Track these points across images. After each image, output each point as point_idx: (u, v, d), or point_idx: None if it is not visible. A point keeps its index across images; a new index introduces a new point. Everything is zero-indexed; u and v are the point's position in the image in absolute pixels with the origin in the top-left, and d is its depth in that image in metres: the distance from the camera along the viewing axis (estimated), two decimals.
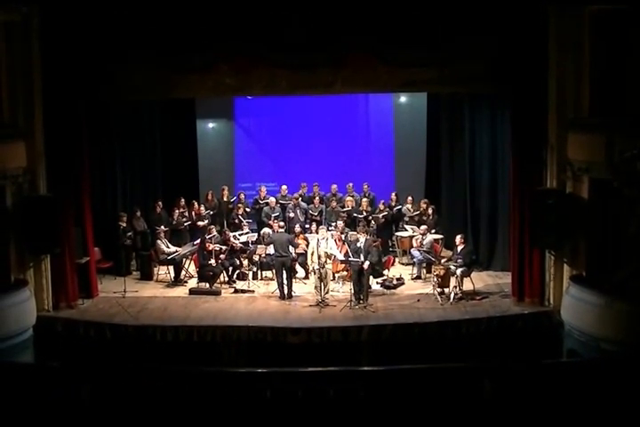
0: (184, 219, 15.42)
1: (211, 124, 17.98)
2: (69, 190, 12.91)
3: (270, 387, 8.11)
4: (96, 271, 13.85)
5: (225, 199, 16.26)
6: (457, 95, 15.30)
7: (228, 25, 12.38)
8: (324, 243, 13.31)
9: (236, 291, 13.92)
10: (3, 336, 11.58)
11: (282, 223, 14.42)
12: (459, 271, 13.25)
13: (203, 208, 15.61)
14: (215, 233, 14.61)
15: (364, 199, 15.66)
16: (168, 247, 14.47)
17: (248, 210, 15.97)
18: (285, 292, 13.43)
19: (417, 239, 14.56)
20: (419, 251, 14.25)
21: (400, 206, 15.71)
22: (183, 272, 14.63)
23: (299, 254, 14.03)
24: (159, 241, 14.49)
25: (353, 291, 13.04)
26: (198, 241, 14.36)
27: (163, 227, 14.85)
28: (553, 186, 12.47)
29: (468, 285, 13.52)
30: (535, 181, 12.61)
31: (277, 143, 17.66)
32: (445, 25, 12.31)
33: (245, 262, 14.65)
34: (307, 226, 15.47)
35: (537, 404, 7.99)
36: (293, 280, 13.74)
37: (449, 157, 16.33)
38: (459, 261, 13.38)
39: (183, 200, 15.71)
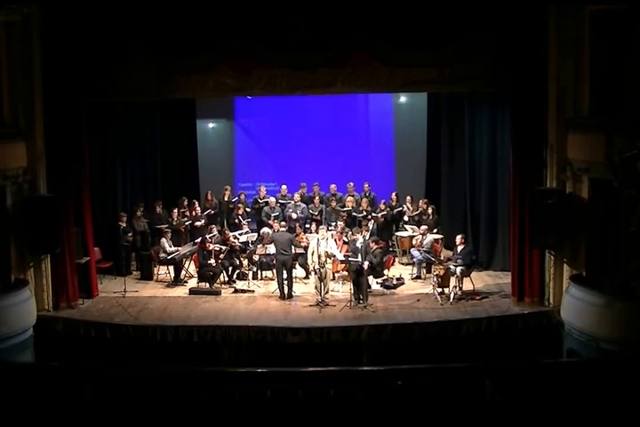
0: (185, 219, 15.43)
1: (211, 124, 18.00)
2: (69, 190, 12.92)
3: (270, 387, 8.11)
4: (96, 271, 13.85)
5: (226, 199, 16.27)
6: (457, 95, 15.31)
7: (228, 25, 12.39)
8: (323, 243, 13.30)
9: (236, 291, 13.93)
10: (3, 336, 11.58)
11: (283, 222, 14.43)
12: (458, 271, 13.25)
13: (198, 208, 15.61)
14: (216, 233, 14.63)
15: (364, 199, 15.66)
16: (170, 247, 14.48)
17: (248, 210, 15.98)
18: (285, 292, 13.44)
19: (417, 239, 14.56)
20: (419, 251, 14.26)
21: (401, 208, 15.71)
22: (183, 272, 14.64)
23: (299, 254, 14.03)
24: (164, 239, 14.48)
25: (353, 291, 13.05)
26: (198, 241, 14.37)
27: (164, 226, 14.88)
28: (553, 186, 12.48)
29: (467, 285, 13.52)
30: (535, 181, 12.61)
31: (277, 143, 17.67)
32: (445, 25, 12.31)
33: (245, 262, 14.66)
34: (307, 226, 15.48)
35: (537, 404, 7.99)
36: (293, 280, 13.75)
37: (449, 157, 16.34)
38: (458, 260, 13.39)
39: (186, 200, 15.74)
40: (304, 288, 14.00)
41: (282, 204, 15.91)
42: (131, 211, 15.23)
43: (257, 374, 8.64)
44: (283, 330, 12.12)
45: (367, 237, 13.58)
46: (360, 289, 13.06)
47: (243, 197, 16.18)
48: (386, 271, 14.15)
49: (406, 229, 15.43)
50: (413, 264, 14.62)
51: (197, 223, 15.41)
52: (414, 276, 14.51)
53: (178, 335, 12.20)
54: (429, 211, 15.29)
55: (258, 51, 12.56)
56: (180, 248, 14.45)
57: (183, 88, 13.01)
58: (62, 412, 8.02)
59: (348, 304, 12.91)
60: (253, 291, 13.95)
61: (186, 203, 15.74)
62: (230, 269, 14.33)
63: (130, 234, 14.75)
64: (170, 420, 8.01)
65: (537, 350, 11.81)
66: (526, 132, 12.63)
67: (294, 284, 13.76)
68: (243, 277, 14.51)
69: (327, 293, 13.31)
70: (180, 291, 14.07)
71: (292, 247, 13.64)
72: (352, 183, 16.14)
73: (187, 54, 12.54)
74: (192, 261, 14.71)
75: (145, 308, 13.10)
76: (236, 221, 15.57)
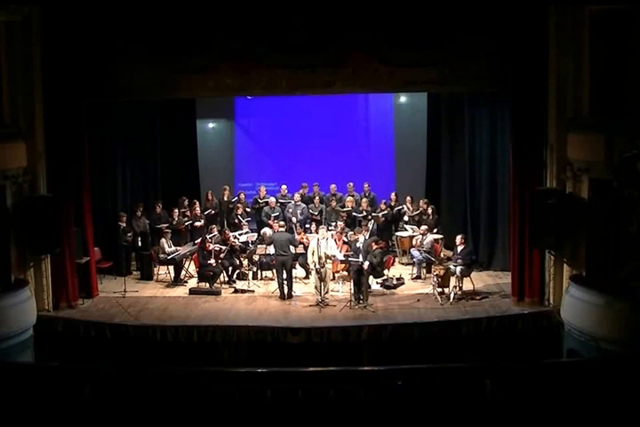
0: (185, 219, 15.43)
1: (211, 124, 17.99)
2: (69, 190, 12.92)
3: (270, 387, 8.11)
4: (96, 271, 13.86)
5: (226, 199, 16.27)
6: (457, 95, 15.32)
7: (228, 25, 12.41)
8: (324, 243, 13.31)
9: (236, 291, 13.92)
10: (3, 336, 11.58)
11: (282, 222, 14.44)
12: (458, 271, 13.25)
13: (198, 209, 15.61)
14: (216, 233, 14.64)
15: (364, 199, 15.66)
16: (170, 247, 14.48)
17: (248, 210, 15.98)
18: (285, 292, 13.44)
19: (417, 239, 14.57)
20: (419, 251, 14.26)
21: (401, 207, 15.72)
22: (183, 272, 14.64)
23: (299, 254, 14.02)
24: (163, 240, 14.48)
25: (353, 291, 13.04)
26: (198, 241, 14.37)
27: (164, 226, 14.89)
28: (553, 186, 12.47)
29: (467, 285, 13.52)
30: (535, 181, 12.61)
31: (277, 143, 17.67)
32: (445, 25, 12.33)
33: (245, 262, 14.66)
34: (307, 226, 15.48)
35: (537, 404, 7.99)
36: (293, 280, 13.75)
37: (449, 157, 16.34)
38: (458, 261, 13.39)
39: (186, 200, 15.74)
40: (304, 288, 14.00)
41: (282, 204, 15.92)
42: (131, 211, 15.23)
43: (257, 374, 8.64)
44: (283, 330, 12.12)
45: (367, 237, 13.58)
46: (360, 289, 13.06)
47: (242, 196, 16.18)
48: (386, 271, 14.15)
49: (406, 229, 15.43)
50: (413, 264, 14.62)
51: (197, 223, 15.41)
52: (414, 276, 14.51)
53: (178, 335, 12.20)
54: (429, 211, 15.28)
55: (258, 51, 12.58)
56: (179, 248, 14.45)
57: (183, 88, 13.01)
58: (62, 412, 8.03)
59: (348, 304, 12.90)
60: (253, 291, 13.95)
61: (186, 203, 15.75)
62: (230, 269, 14.33)
63: (130, 234, 14.76)
64: (170, 420, 8.01)
65: (537, 350, 11.81)
66: (526, 132, 12.63)
67: (294, 284, 13.76)
68: (243, 277, 14.51)
69: (327, 293, 13.31)
70: (180, 291, 14.07)
71: (292, 247, 13.63)
72: (352, 183, 16.14)
73: (187, 54, 12.55)
74: (192, 261, 14.70)
75: (145, 308, 13.10)
76: (236, 220, 15.58)
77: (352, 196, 15.88)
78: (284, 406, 7.99)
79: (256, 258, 14.33)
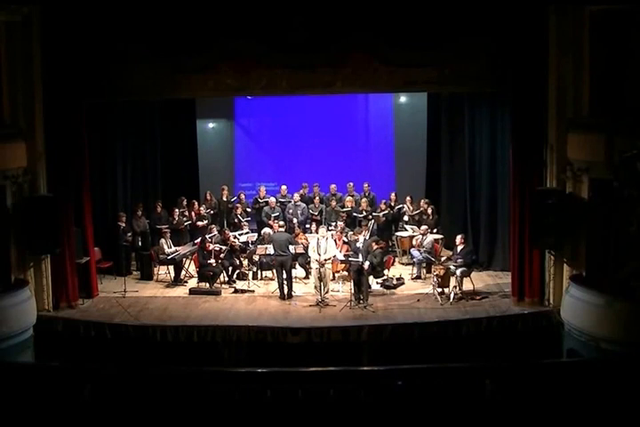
0: (184, 218, 15.43)
1: (211, 124, 17.99)
2: (69, 190, 12.92)
3: (270, 387, 8.11)
4: (96, 271, 13.86)
5: (224, 199, 16.27)
6: (457, 95, 15.32)
7: (228, 25, 12.41)
8: (323, 242, 13.31)
9: (236, 291, 13.93)
10: (3, 336, 11.59)
11: (282, 223, 14.44)
12: (458, 271, 13.25)
13: (203, 208, 15.63)
14: (216, 232, 14.64)
15: (364, 199, 15.66)
16: (169, 247, 14.48)
17: (248, 210, 15.98)
18: (285, 292, 13.44)
19: (417, 239, 14.57)
20: (419, 251, 14.26)
21: (401, 206, 15.71)
22: (183, 272, 14.64)
23: (299, 254, 14.02)
24: (163, 240, 14.48)
25: (353, 291, 13.05)
26: (198, 241, 14.37)
27: (164, 226, 14.89)
28: (553, 186, 12.47)
29: (467, 285, 13.52)
30: (535, 181, 12.61)
31: (277, 143, 17.67)
32: (445, 25, 12.33)
33: (245, 262, 14.66)
34: (307, 226, 15.48)
35: (537, 404, 7.99)
36: (293, 280, 13.74)
37: (449, 157, 16.34)
38: (459, 261, 13.39)
39: (185, 200, 15.75)
40: (304, 288, 14.00)
41: (282, 204, 15.92)
42: (131, 211, 15.23)
43: (257, 374, 8.65)
44: (283, 330, 12.12)
45: (367, 237, 13.58)
46: (360, 289, 13.06)
47: (242, 196, 16.18)
48: (386, 271, 14.15)
49: (406, 229, 15.43)
50: (413, 264, 14.62)
51: (200, 223, 15.40)
52: (414, 276, 14.51)
53: (178, 335, 12.20)
54: (429, 211, 15.28)
55: (258, 51, 12.58)
56: (178, 249, 14.44)
57: (183, 88, 13.01)
58: (62, 412, 8.03)
59: (348, 304, 12.91)
60: (253, 291, 13.95)
61: (185, 203, 15.75)
62: (230, 269, 14.33)
63: (130, 234, 14.76)
64: (170, 420, 8.01)
65: (537, 350, 11.81)
66: (526, 132, 12.63)
67: (294, 284, 13.76)
68: (243, 277, 14.51)
69: (327, 293, 13.32)
70: (180, 291, 14.07)
71: (291, 247, 13.63)
72: (352, 183, 16.14)
73: (187, 54, 12.55)
74: (192, 261, 14.70)
75: (145, 308, 13.10)
76: (236, 220, 15.58)
77: (352, 196, 15.88)
78: (284, 406, 7.99)
79: (256, 258, 14.34)
